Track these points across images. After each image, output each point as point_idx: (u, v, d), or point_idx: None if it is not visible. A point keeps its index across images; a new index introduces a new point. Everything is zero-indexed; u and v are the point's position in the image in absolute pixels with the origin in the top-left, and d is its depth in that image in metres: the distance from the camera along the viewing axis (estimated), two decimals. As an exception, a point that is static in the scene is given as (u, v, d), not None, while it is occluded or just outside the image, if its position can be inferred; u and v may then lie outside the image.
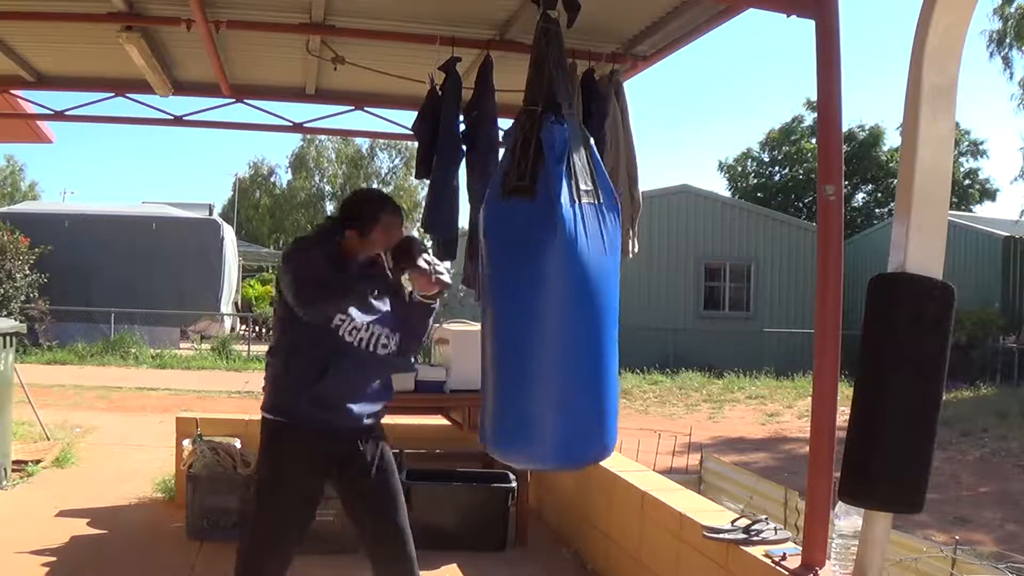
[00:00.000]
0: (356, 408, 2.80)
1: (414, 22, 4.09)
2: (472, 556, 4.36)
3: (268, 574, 2.77)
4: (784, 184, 32.65)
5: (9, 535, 4.45)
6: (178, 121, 5.71)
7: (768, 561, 2.78)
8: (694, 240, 20.36)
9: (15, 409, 6.09)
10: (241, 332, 22.12)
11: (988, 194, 31.96)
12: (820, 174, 2.84)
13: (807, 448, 2.87)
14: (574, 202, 2.42)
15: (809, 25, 2.83)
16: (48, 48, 4.77)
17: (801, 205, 31.47)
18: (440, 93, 4.14)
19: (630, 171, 4.15)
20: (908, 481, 2.12)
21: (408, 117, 5.48)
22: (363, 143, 39.59)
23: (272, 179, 41.69)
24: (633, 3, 3.82)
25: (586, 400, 2.48)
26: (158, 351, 17.13)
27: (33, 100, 5.95)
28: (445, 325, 5.10)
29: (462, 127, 4.15)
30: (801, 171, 31.75)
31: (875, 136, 30.99)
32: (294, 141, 40.14)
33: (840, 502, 2.38)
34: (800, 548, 2.79)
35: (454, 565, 4.24)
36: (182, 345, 18.76)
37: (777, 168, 33.52)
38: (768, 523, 3.03)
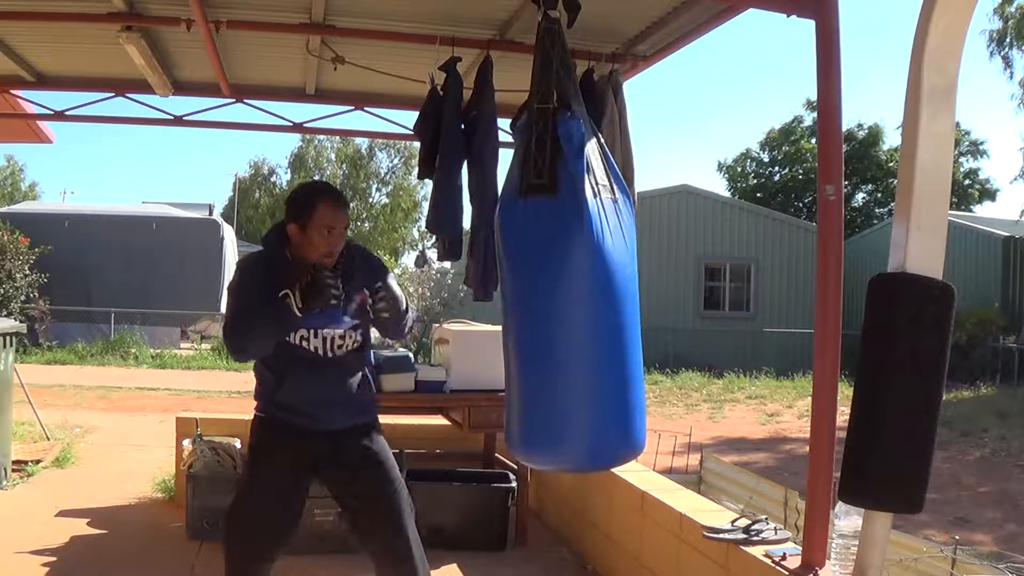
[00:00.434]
0: (326, 411, 2.79)
1: (414, 22, 4.09)
2: (472, 556, 4.36)
3: (238, 565, 2.80)
4: (784, 184, 32.65)
5: (9, 535, 4.45)
6: (178, 121, 5.70)
7: (768, 561, 2.78)
8: (694, 240, 20.37)
9: (15, 409, 6.09)
10: (241, 332, 22.06)
11: (988, 194, 31.98)
12: (820, 174, 2.84)
13: (807, 448, 2.87)
14: (596, 196, 2.41)
15: (809, 25, 2.83)
16: (48, 48, 4.77)
17: (801, 205, 31.48)
18: (441, 93, 4.14)
19: (626, 171, 4.14)
20: (908, 481, 2.11)
21: (408, 117, 5.48)
22: (363, 143, 39.58)
23: (272, 179, 41.68)
24: (633, 3, 3.81)
25: (615, 398, 2.47)
26: (158, 351, 17.14)
27: (33, 100, 5.95)
28: (445, 325, 5.10)
29: (463, 127, 4.14)
30: (801, 171, 31.75)
31: (875, 136, 30.99)
32: (294, 141, 40.15)
33: (840, 502, 2.37)
34: (800, 548, 2.79)
35: (454, 565, 4.24)
36: (182, 345, 18.77)
37: (777, 168, 33.52)
38: (768, 523, 3.03)
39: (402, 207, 38.16)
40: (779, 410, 13.90)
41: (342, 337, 2.81)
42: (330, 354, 2.79)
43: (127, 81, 5.18)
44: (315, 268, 2.65)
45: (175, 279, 18.18)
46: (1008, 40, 17.91)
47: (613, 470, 4.22)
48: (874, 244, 20.01)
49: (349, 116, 5.69)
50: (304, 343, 2.77)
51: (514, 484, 4.55)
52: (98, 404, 10.86)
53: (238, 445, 4.73)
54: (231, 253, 20.63)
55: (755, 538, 2.94)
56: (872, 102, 55.58)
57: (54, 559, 4.16)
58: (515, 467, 4.66)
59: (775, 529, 2.99)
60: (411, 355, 4.80)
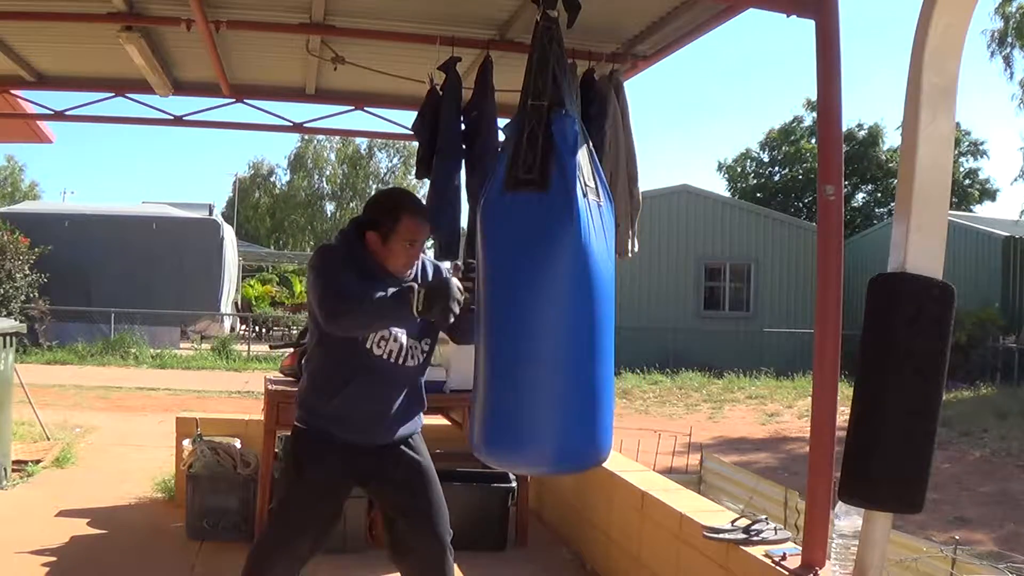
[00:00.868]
0: (378, 426, 2.74)
1: (414, 22, 4.09)
2: (472, 556, 4.36)
3: (276, 566, 2.73)
4: (784, 184, 32.66)
5: (9, 535, 4.45)
6: (178, 121, 5.71)
7: (768, 561, 2.78)
8: (694, 240, 20.36)
9: (15, 409, 6.09)
10: (241, 332, 22.12)
11: (988, 194, 32.00)
12: (820, 174, 2.84)
13: (807, 448, 2.87)
14: (585, 195, 2.40)
15: (809, 25, 2.83)
16: (48, 48, 4.77)
17: (801, 205, 31.48)
18: (440, 93, 4.14)
19: (630, 170, 4.15)
20: (908, 481, 2.11)
21: (408, 117, 5.48)
22: (362, 143, 39.60)
23: (272, 179, 41.70)
24: (633, 3, 3.81)
25: (583, 401, 2.43)
26: (158, 351, 17.14)
27: (33, 100, 5.95)
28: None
29: (462, 127, 4.14)
30: (801, 171, 31.76)
31: (875, 136, 31.00)
32: (293, 141, 40.19)
33: (840, 502, 2.37)
34: (800, 548, 2.79)
35: (454, 565, 4.23)
36: (182, 345, 18.77)
37: (777, 168, 33.53)
38: (768, 523, 3.03)
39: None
40: (779, 410, 13.90)
41: (414, 347, 2.74)
42: (401, 362, 2.72)
43: (127, 81, 5.18)
44: (444, 281, 2.54)
45: (175, 279, 18.18)
46: (1009, 40, 17.92)
47: (613, 470, 4.24)
48: (874, 244, 20.01)
49: (349, 116, 5.69)
50: (380, 345, 2.67)
51: (514, 484, 4.55)
52: (98, 404, 10.86)
53: (238, 445, 4.73)
54: (231, 253, 20.65)
55: (755, 538, 2.94)
56: (872, 102, 55.68)
57: (54, 559, 4.16)
58: (515, 467, 4.65)
59: (775, 529, 2.99)
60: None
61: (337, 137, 35.73)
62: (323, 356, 2.74)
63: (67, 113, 5.66)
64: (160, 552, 4.37)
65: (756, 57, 63.45)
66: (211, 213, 21.51)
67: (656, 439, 7.55)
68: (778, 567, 2.73)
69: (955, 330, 2.22)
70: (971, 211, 29.05)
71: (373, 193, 3.17)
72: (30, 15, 4.05)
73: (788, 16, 2.94)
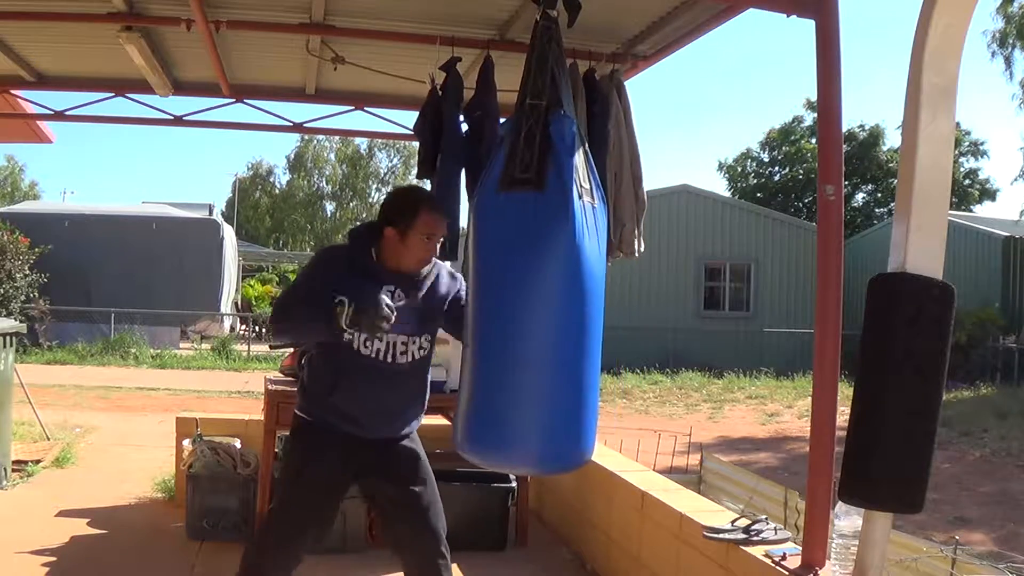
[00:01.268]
0: (377, 421, 2.76)
1: (414, 22, 4.09)
2: (472, 556, 4.36)
3: (275, 564, 2.75)
4: (784, 184, 32.66)
5: (9, 535, 4.45)
6: (178, 121, 5.71)
7: (768, 561, 2.78)
8: (694, 240, 20.35)
9: (15, 409, 6.09)
10: (241, 332, 22.11)
11: (988, 194, 32.00)
12: (820, 174, 2.84)
13: (807, 448, 2.87)
14: (580, 196, 2.40)
15: (809, 25, 2.83)
16: (48, 48, 4.77)
17: (801, 205, 31.48)
18: (441, 93, 4.14)
19: (634, 170, 4.14)
20: (908, 481, 2.11)
21: (408, 117, 5.48)
22: (362, 143, 39.60)
23: (271, 179, 41.70)
24: (633, 3, 3.81)
25: (570, 401, 2.42)
26: (158, 351, 17.14)
27: (33, 100, 5.95)
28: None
29: (464, 127, 4.15)
30: (801, 171, 31.76)
31: (875, 136, 31.00)
32: (293, 141, 40.18)
33: (840, 502, 2.37)
34: (800, 548, 2.79)
35: (454, 565, 4.22)
36: (182, 345, 18.77)
37: (777, 168, 33.54)
38: (768, 523, 3.03)
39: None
40: (779, 410, 13.90)
41: (405, 344, 2.75)
42: (390, 360, 2.74)
43: (127, 81, 5.18)
44: (376, 298, 2.57)
45: (175, 279, 18.18)
46: (1010, 40, 17.91)
47: (613, 470, 4.24)
48: (874, 244, 20.01)
49: (349, 116, 5.69)
50: (367, 345, 2.70)
51: (514, 484, 4.55)
52: (98, 404, 10.86)
53: (238, 445, 4.73)
54: (231, 253, 20.65)
55: (755, 538, 2.94)
56: (873, 102, 55.68)
57: (54, 559, 4.16)
58: (515, 467, 4.65)
59: (775, 529, 2.99)
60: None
61: (337, 137, 35.74)
62: (318, 355, 2.79)
63: (67, 113, 5.66)
64: (160, 552, 4.37)
65: (756, 57, 63.53)
66: (211, 213, 21.52)
67: (656, 439, 7.55)
68: (778, 567, 2.73)
69: (955, 330, 2.22)
70: (971, 211, 29.05)
71: (389, 192, 3.21)
72: (30, 15, 4.05)
73: (788, 16, 2.94)
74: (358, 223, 3.00)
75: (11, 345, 5.70)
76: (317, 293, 2.64)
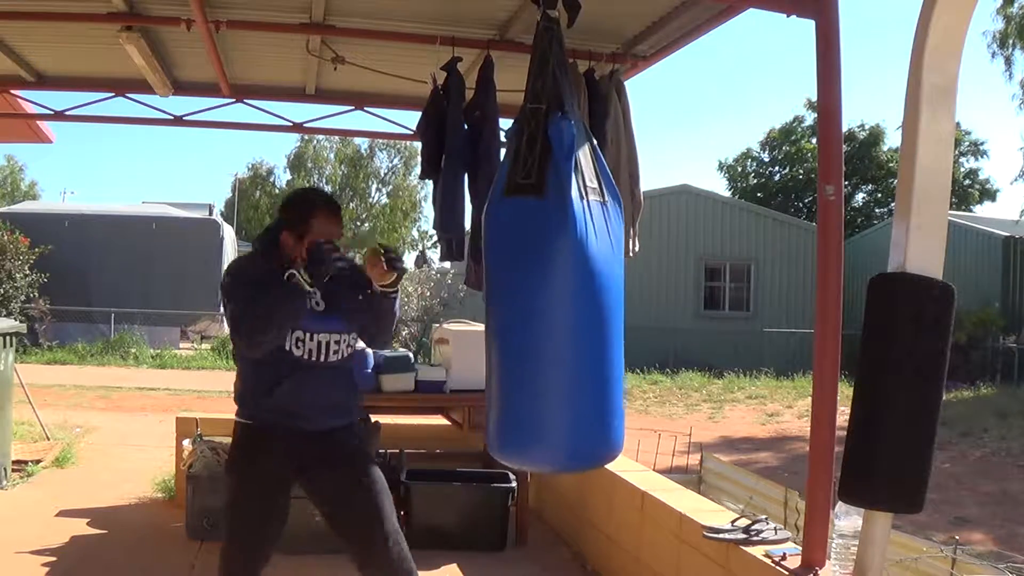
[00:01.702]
0: (316, 414, 2.79)
1: (414, 22, 4.09)
2: (472, 556, 4.36)
3: (241, 566, 2.79)
4: (784, 184, 32.65)
5: (9, 535, 4.45)
6: (178, 121, 5.70)
7: (768, 561, 2.78)
8: (694, 240, 20.36)
9: (15, 409, 6.09)
10: (241, 332, 22.07)
11: (988, 194, 31.97)
12: (820, 174, 2.84)
13: (807, 448, 2.87)
14: (582, 198, 2.40)
15: (809, 25, 2.83)
16: (48, 48, 4.77)
17: (801, 205, 31.48)
18: (443, 93, 4.14)
19: (632, 170, 4.14)
20: (908, 481, 2.11)
21: (408, 117, 5.49)
22: (362, 143, 39.56)
23: (271, 179, 41.69)
24: (633, 3, 3.81)
25: (593, 401, 2.46)
26: (158, 351, 17.14)
27: (33, 100, 5.95)
28: (445, 325, 5.10)
29: (465, 127, 4.15)
30: (801, 171, 31.76)
31: (875, 136, 30.99)
32: (293, 141, 40.15)
33: (840, 502, 2.37)
34: (800, 548, 2.79)
35: (454, 565, 4.24)
36: (182, 345, 18.77)
37: (777, 168, 33.53)
38: (768, 523, 3.03)
39: (402, 207, 38.13)
40: (779, 410, 13.90)
41: (337, 342, 2.80)
42: (322, 359, 2.77)
43: (127, 81, 5.18)
44: (312, 243, 2.62)
45: (175, 279, 18.18)
46: (1010, 41, 17.90)
47: (613, 470, 4.24)
48: (874, 244, 20.00)
49: (349, 116, 5.69)
50: (299, 345, 2.75)
51: (514, 484, 4.55)
52: (98, 404, 10.86)
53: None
54: (231, 253, 20.63)
55: (755, 538, 2.94)
56: (873, 102, 55.62)
57: (54, 559, 4.16)
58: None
59: (775, 529, 2.99)
60: (411, 355, 4.80)
61: (337, 137, 35.73)
62: (253, 361, 2.78)
63: (67, 113, 5.66)
64: (160, 552, 4.37)
65: (756, 57, 63.50)
66: (211, 213, 21.52)
67: (656, 439, 7.55)
68: (778, 567, 2.73)
69: (955, 330, 2.22)
70: (971, 211, 29.04)
71: (291, 190, 3.16)
72: (30, 15, 4.05)
73: (788, 16, 2.94)
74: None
75: (11, 345, 5.70)
76: (257, 291, 2.64)
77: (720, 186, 34.79)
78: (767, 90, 62.73)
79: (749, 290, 20.74)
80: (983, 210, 30.46)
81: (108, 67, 4.96)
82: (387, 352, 4.69)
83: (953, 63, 2.11)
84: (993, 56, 18.38)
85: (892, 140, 30.36)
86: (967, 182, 31.22)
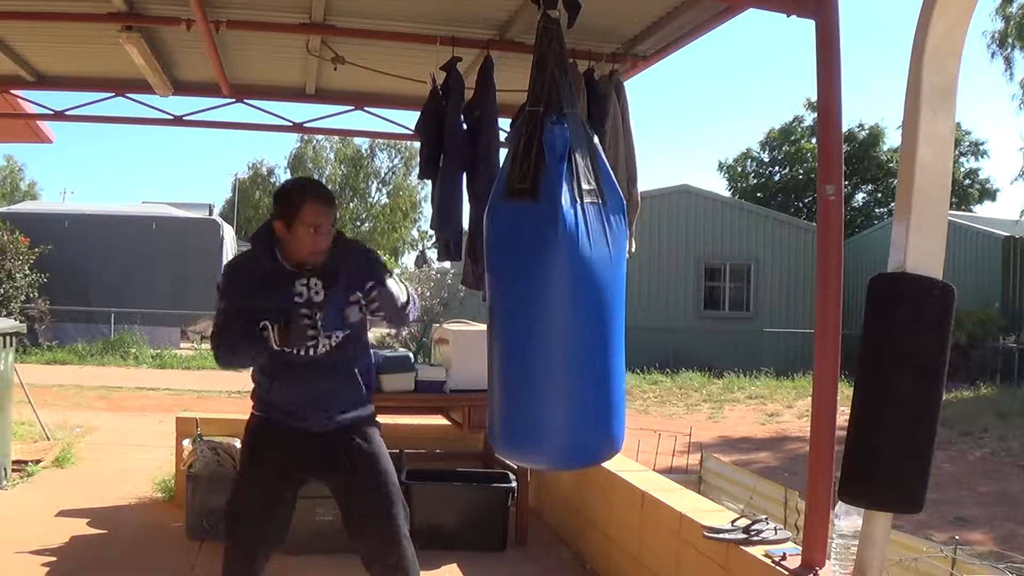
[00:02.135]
0: (315, 412, 2.81)
1: (414, 22, 4.09)
2: (472, 556, 4.36)
3: (239, 549, 2.83)
4: (784, 184, 32.65)
5: (9, 535, 4.45)
6: (178, 121, 5.70)
7: (768, 561, 2.78)
8: (694, 240, 20.36)
9: (15, 409, 6.09)
10: (241, 332, 22.08)
11: (988, 194, 31.98)
12: (820, 174, 2.84)
13: (807, 448, 2.87)
14: (575, 202, 2.41)
15: (809, 25, 2.82)
16: (48, 48, 4.77)
17: (801, 205, 31.47)
18: (442, 93, 4.14)
19: (629, 170, 4.14)
20: (908, 481, 2.12)
21: (408, 117, 5.48)
22: (362, 143, 39.57)
23: (271, 179, 41.67)
24: (633, 3, 3.81)
25: (592, 399, 2.49)
26: (158, 351, 17.13)
27: (33, 100, 5.95)
28: (445, 325, 5.10)
29: (465, 127, 4.15)
30: (801, 171, 31.75)
31: (875, 136, 30.99)
32: (293, 141, 40.15)
33: (840, 502, 2.37)
34: (800, 548, 2.79)
35: (454, 565, 4.24)
36: (182, 345, 18.76)
37: (777, 168, 33.53)
38: (768, 523, 3.03)
39: (402, 207, 38.15)
40: (779, 410, 13.90)
41: (328, 337, 2.81)
42: (312, 353, 2.79)
43: (127, 81, 5.18)
44: (291, 312, 2.69)
45: (175, 279, 18.17)
46: (1010, 40, 17.91)
47: (613, 470, 4.24)
48: (874, 244, 20.01)
49: (349, 116, 5.69)
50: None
51: (514, 484, 4.55)
52: (98, 404, 10.85)
53: (238, 445, 4.73)
54: (231, 253, 20.63)
55: (755, 538, 2.94)
56: (873, 102, 55.62)
57: (54, 559, 4.16)
58: (515, 467, 4.65)
59: (775, 529, 2.99)
60: (411, 355, 4.80)
61: (337, 137, 35.72)
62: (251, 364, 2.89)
63: (67, 113, 5.66)
64: (160, 552, 4.37)
65: (756, 57, 63.50)
66: (211, 213, 21.52)
67: (656, 439, 7.55)
68: (778, 567, 2.73)
69: (955, 330, 2.23)
70: (971, 211, 29.04)
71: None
72: (30, 15, 4.05)
73: (788, 16, 2.94)
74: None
75: (11, 345, 5.70)
76: (239, 312, 2.73)
77: (720, 186, 34.84)
78: (767, 90, 62.80)
79: (749, 290, 20.74)
80: (983, 210, 30.50)
81: (108, 67, 4.96)
82: (387, 352, 4.70)
83: (953, 63, 2.11)
84: (993, 56, 18.41)
85: (892, 140, 30.37)
86: (967, 182, 31.22)
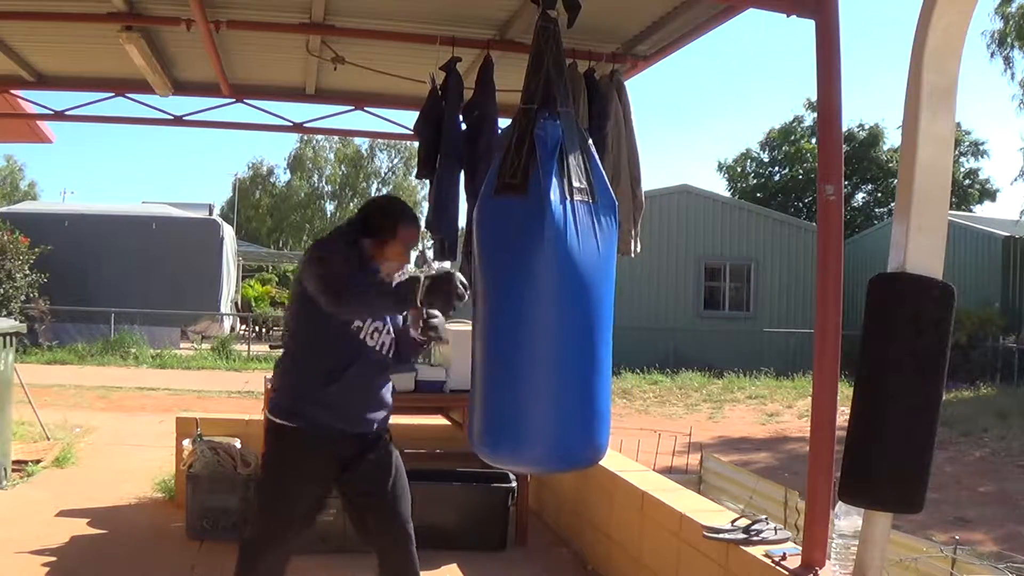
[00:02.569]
0: (367, 412, 2.84)
1: (414, 22, 4.09)
2: (472, 556, 4.36)
3: (266, 568, 2.80)
4: (784, 184, 32.65)
5: (9, 535, 4.45)
6: (178, 121, 5.71)
7: (768, 561, 2.78)
8: (694, 240, 20.35)
9: (15, 409, 6.09)
10: (241, 332, 22.11)
11: (988, 194, 31.99)
12: (820, 174, 2.84)
13: (807, 448, 2.87)
14: (565, 199, 2.38)
15: (809, 25, 2.83)
16: (48, 48, 4.77)
17: (801, 205, 31.48)
18: (441, 93, 4.14)
19: (632, 171, 4.14)
20: (908, 481, 2.12)
21: (408, 117, 5.48)
22: (362, 143, 39.58)
23: (271, 179, 41.69)
24: (633, 3, 3.82)
25: (576, 400, 2.43)
26: (158, 351, 17.12)
27: (33, 100, 5.95)
28: (445, 325, 5.09)
29: (463, 127, 4.15)
30: (801, 171, 31.75)
31: (875, 136, 30.99)
32: (293, 141, 40.17)
33: (840, 502, 2.37)
34: (800, 548, 2.79)
35: (454, 565, 4.24)
36: (182, 345, 18.75)
37: (777, 168, 33.53)
38: (768, 523, 3.03)
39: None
40: (779, 410, 13.90)
41: (392, 339, 2.90)
42: (386, 352, 2.87)
43: (127, 81, 5.18)
44: (449, 277, 2.66)
45: (175, 279, 18.17)
46: (1009, 40, 17.92)
47: (613, 470, 4.24)
48: (874, 244, 20.01)
49: (349, 116, 5.70)
50: (375, 335, 2.82)
51: (514, 484, 4.55)
52: (98, 404, 10.86)
53: (238, 445, 4.73)
54: (231, 253, 20.64)
55: (755, 538, 2.94)
56: (873, 102, 55.61)
57: (54, 559, 4.16)
58: (515, 467, 4.66)
59: (775, 529, 2.99)
60: (411, 355, 4.79)
61: (336, 137, 35.73)
62: (316, 345, 2.79)
63: (67, 113, 5.66)
64: (160, 552, 4.37)
65: (756, 57, 63.50)
66: (211, 213, 21.51)
67: (656, 439, 7.55)
68: (778, 567, 2.73)
69: (955, 330, 2.23)
70: (971, 211, 29.04)
71: (372, 198, 3.22)
72: (30, 15, 4.05)
73: (788, 16, 2.94)
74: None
75: (11, 345, 5.70)
76: (355, 269, 2.75)
77: (720, 186, 34.81)
78: (767, 90, 62.79)
79: (749, 290, 20.74)
80: (983, 210, 30.50)
81: (108, 67, 4.96)
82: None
83: (953, 63, 2.11)
84: (993, 56, 18.42)
85: (892, 140, 30.37)
86: (967, 182, 31.22)
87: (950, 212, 2.45)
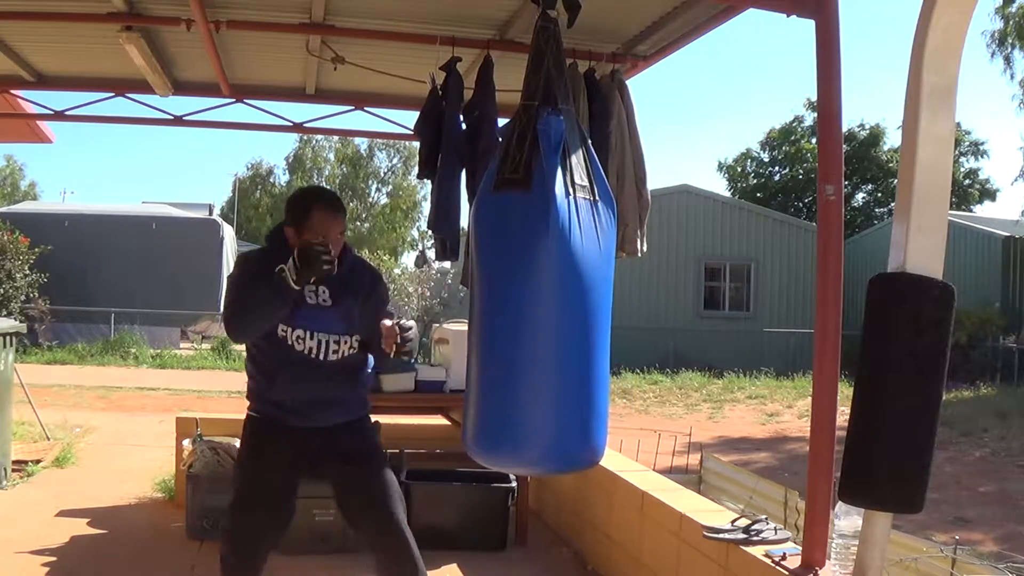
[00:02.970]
0: (317, 410, 2.84)
1: (414, 22, 4.09)
2: (472, 556, 4.36)
3: (242, 548, 2.83)
4: (784, 184, 32.65)
5: (9, 535, 4.45)
6: (178, 121, 5.70)
7: (768, 561, 2.78)
8: (694, 240, 20.36)
9: (15, 409, 6.09)
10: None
11: (988, 194, 31.98)
12: (820, 174, 2.84)
13: (807, 448, 2.87)
14: (569, 195, 2.37)
15: (809, 25, 2.83)
16: (48, 48, 4.77)
17: (801, 205, 31.47)
18: (441, 93, 4.14)
19: (638, 170, 4.14)
20: (908, 481, 2.12)
21: (408, 117, 5.48)
22: (362, 143, 39.56)
23: (271, 179, 41.67)
24: (633, 3, 3.81)
25: (576, 400, 2.41)
26: (158, 351, 17.13)
27: (33, 100, 5.95)
28: (445, 325, 5.10)
29: (463, 127, 4.15)
30: (801, 171, 31.75)
31: (875, 136, 30.99)
32: (293, 141, 40.14)
33: (840, 502, 2.37)
34: (800, 548, 2.79)
35: (454, 565, 4.24)
36: (182, 345, 18.77)
37: (777, 168, 33.52)
38: (768, 523, 3.03)
39: (402, 207, 38.14)
40: (779, 410, 13.90)
41: (337, 343, 2.85)
42: (322, 357, 2.83)
43: (127, 81, 5.18)
44: (304, 242, 2.68)
45: (175, 279, 18.18)
46: (1009, 40, 17.91)
47: (613, 470, 4.24)
48: (874, 244, 20.01)
49: (349, 116, 5.69)
50: (299, 343, 2.80)
51: (514, 484, 4.55)
52: (98, 404, 10.86)
53: (238, 445, 4.73)
54: (231, 253, 20.64)
55: (755, 538, 2.94)
56: (873, 102, 55.59)
57: (54, 559, 4.16)
58: (515, 467, 4.65)
59: (775, 529, 2.99)
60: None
61: (336, 137, 35.73)
62: (257, 350, 2.87)
63: (67, 113, 5.66)
64: (160, 552, 4.37)
65: (756, 57, 63.51)
66: (211, 213, 21.52)
67: (656, 439, 7.55)
68: (778, 567, 2.73)
69: (955, 330, 2.23)
70: (971, 211, 29.04)
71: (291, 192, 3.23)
72: (30, 15, 4.05)
73: (788, 16, 2.94)
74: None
75: (11, 345, 5.70)
76: (253, 284, 2.73)
77: (720, 186, 34.82)
78: (767, 90, 62.80)
79: (749, 290, 20.74)
80: (983, 210, 30.50)
81: (108, 67, 4.96)
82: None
83: (953, 63, 2.11)
84: (993, 56, 18.41)
85: (892, 140, 30.37)
86: (967, 182, 31.22)
87: (950, 212, 2.45)
